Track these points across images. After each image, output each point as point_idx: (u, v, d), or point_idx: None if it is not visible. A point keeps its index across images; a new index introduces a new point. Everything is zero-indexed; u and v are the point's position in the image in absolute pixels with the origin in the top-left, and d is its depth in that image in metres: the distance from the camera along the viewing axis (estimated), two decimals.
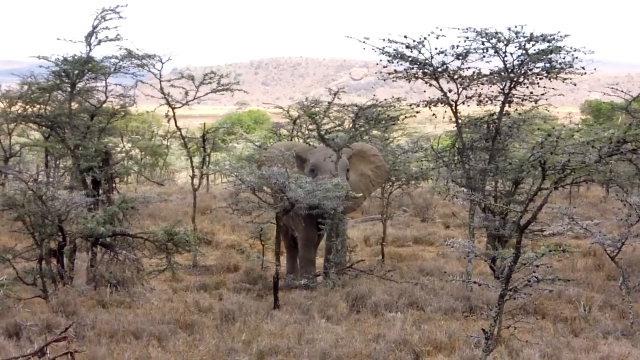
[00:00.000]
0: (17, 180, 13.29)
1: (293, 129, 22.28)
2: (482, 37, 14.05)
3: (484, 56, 14.27)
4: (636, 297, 12.96)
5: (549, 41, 14.00)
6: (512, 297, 8.98)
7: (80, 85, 15.59)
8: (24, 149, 25.75)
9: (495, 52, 14.20)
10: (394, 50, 14.06)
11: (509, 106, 14.65)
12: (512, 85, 14.38)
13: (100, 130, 15.85)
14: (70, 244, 13.57)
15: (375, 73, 16.00)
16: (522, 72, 14.32)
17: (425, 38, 13.86)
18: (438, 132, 28.21)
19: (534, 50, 14.09)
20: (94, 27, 15.21)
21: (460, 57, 14.19)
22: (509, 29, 13.94)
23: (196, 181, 18.31)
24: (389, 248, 18.27)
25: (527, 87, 14.47)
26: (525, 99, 14.54)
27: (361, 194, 15.48)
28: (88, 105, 16.26)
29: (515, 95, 14.53)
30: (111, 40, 15.32)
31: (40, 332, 10.82)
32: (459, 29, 14.03)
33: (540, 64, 14.26)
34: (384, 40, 14.04)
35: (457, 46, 14.06)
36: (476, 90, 14.64)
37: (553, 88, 14.17)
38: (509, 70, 14.28)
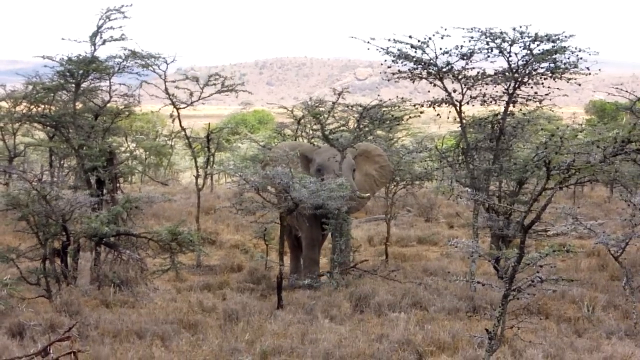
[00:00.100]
0: (21, 180, 13.29)
1: (297, 129, 22.28)
2: (486, 37, 14.03)
3: (489, 56, 14.25)
4: None
5: (553, 41, 13.98)
6: (515, 297, 8.98)
7: (84, 85, 15.61)
8: (28, 149, 25.76)
9: (499, 52, 14.19)
10: (398, 50, 14.06)
11: (514, 106, 14.64)
12: (517, 86, 14.37)
13: (104, 130, 15.87)
14: (74, 243, 13.57)
15: (380, 73, 16.01)
16: (527, 72, 14.31)
17: (430, 38, 13.86)
18: (442, 132, 28.16)
19: (539, 50, 14.08)
20: (99, 27, 15.23)
21: (465, 57, 14.18)
22: (514, 29, 13.94)
23: (200, 181, 18.31)
24: (392, 248, 18.26)
25: (532, 87, 14.46)
26: (530, 99, 14.53)
27: (368, 194, 15.51)
28: (92, 105, 16.28)
29: (520, 96, 14.52)
30: (116, 40, 15.34)
31: (43, 332, 10.83)
32: (463, 29, 14.03)
33: (545, 64, 14.25)
34: (388, 40, 14.05)
35: (462, 46, 14.06)
36: (480, 90, 14.63)
37: (557, 88, 14.15)
38: (514, 70, 14.27)
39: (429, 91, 14.77)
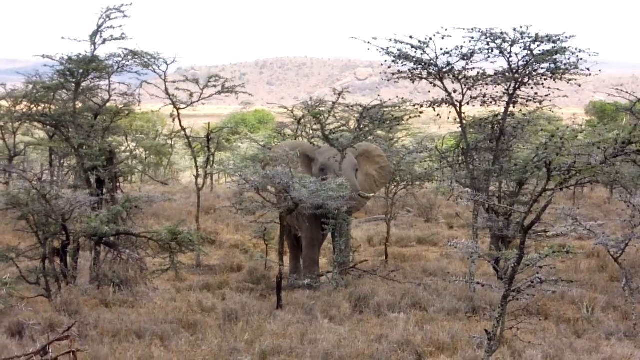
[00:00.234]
0: (21, 179, 13.28)
1: (297, 128, 22.28)
2: (487, 38, 14.03)
3: (489, 57, 14.25)
4: (639, 298, 12.93)
5: (554, 42, 13.98)
6: (515, 298, 8.98)
7: (84, 84, 15.61)
8: (28, 148, 25.77)
9: (500, 53, 14.19)
10: (399, 50, 14.05)
11: (514, 107, 14.63)
12: (517, 86, 14.37)
13: (104, 129, 15.88)
14: (74, 243, 13.57)
15: (380, 73, 16.01)
16: (527, 72, 14.30)
17: (430, 38, 13.86)
18: (442, 132, 28.17)
19: (539, 51, 14.08)
20: (99, 26, 15.23)
21: (465, 58, 14.17)
22: (514, 30, 13.93)
23: (200, 181, 18.31)
24: (392, 248, 18.25)
25: (532, 88, 14.46)
26: (530, 100, 14.52)
27: (372, 194, 15.55)
28: (92, 104, 16.28)
29: (520, 96, 14.51)
30: (116, 39, 15.34)
31: (43, 331, 10.82)
32: (464, 29, 14.03)
33: (545, 65, 14.25)
34: (389, 40, 14.05)
35: (462, 47, 14.05)
36: (481, 90, 14.63)
37: (558, 89, 14.15)
38: (514, 71, 14.27)
39: (429, 91, 14.77)
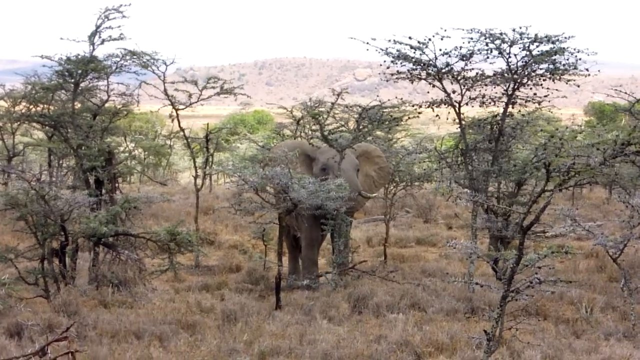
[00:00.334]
0: (20, 180, 13.27)
1: (296, 129, 22.27)
2: (486, 38, 14.02)
3: (488, 57, 14.24)
4: (638, 298, 12.93)
5: (553, 42, 13.98)
6: (514, 298, 8.98)
7: (83, 84, 15.61)
8: (27, 149, 25.75)
9: (499, 53, 14.18)
10: (398, 51, 14.04)
11: (513, 107, 14.63)
12: (516, 87, 14.36)
13: (103, 130, 15.87)
14: (73, 243, 13.56)
15: (379, 74, 16.00)
16: (526, 73, 14.29)
17: (429, 39, 13.85)
18: (441, 133, 28.16)
19: (538, 51, 14.07)
20: (98, 27, 15.24)
21: (464, 58, 14.16)
22: (514, 30, 13.93)
23: (199, 181, 18.31)
24: (391, 249, 18.26)
25: (531, 89, 14.45)
26: (529, 100, 14.52)
27: (375, 194, 15.56)
28: (90, 104, 16.28)
29: (519, 97, 14.51)
30: (114, 39, 15.35)
31: (41, 332, 10.82)
32: (463, 29, 14.03)
33: (544, 65, 14.24)
34: (388, 41, 14.04)
35: (461, 47, 14.04)
36: (480, 91, 14.62)
37: (556, 89, 14.13)
38: (513, 71, 14.26)
39: (428, 92, 14.77)
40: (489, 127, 14.93)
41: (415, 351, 10.41)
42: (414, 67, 14.27)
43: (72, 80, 15.30)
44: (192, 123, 26.36)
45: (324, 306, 12.73)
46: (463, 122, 14.56)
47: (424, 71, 14.31)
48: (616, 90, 17.98)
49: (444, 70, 14.16)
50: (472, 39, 14.00)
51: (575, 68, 14.14)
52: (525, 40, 13.92)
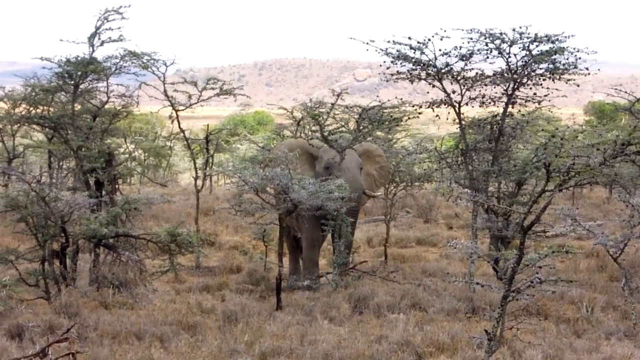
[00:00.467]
0: (20, 182, 13.26)
1: (297, 130, 22.26)
2: (486, 38, 14.02)
3: (488, 57, 14.24)
4: (639, 298, 12.93)
5: (552, 42, 13.97)
6: (514, 298, 8.98)
7: (83, 86, 15.61)
8: (27, 151, 25.76)
9: (499, 53, 14.18)
10: (397, 51, 14.05)
11: (513, 107, 14.63)
12: (516, 87, 14.36)
13: (103, 131, 15.86)
14: (73, 245, 13.56)
15: (379, 74, 16.00)
16: (526, 73, 14.29)
17: (429, 39, 13.85)
18: (441, 133, 28.15)
19: (538, 51, 14.07)
20: (97, 28, 15.22)
21: (464, 58, 14.16)
22: (513, 30, 13.93)
23: (199, 182, 18.30)
24: (392, 249, 18.25)
25: (531, 88, 14.45)
26: (529, 100, 14.52)
27: (379, 193, 15.58)
28: (90, 106, 16.27)
29: (519, 97, 14.51)
30: (114, 41, 15.32)
31: (42, 333, 10.82)
32: (462, 29, 14.02)
33: (544, 65, 14.24)
34: (388, 41, 14.04)
35: (461, 47, 14.04)
36: (480, 91, 14.62)
37: (556, 89, 14.14)
38: (513, 71, 14.26)
39: (428, 92, 14.77)
40: (489, 127, 14.94)
41: (416, 351, 10.42)
42: (414, 67, 14.26)
43: (72, 82, 15.28)
44: (192, 124, 26.39)
45: (325, 306, 12.72)
46: (463, 122, 14.56)
47: (424, 71, 14.31)
48: (616, 89, 17.96)
49: (443, 71, 14.16)
50: (471, 39, 14.00)
51: (575, 67, 14.14)
52: (525, 40, 13.91)
